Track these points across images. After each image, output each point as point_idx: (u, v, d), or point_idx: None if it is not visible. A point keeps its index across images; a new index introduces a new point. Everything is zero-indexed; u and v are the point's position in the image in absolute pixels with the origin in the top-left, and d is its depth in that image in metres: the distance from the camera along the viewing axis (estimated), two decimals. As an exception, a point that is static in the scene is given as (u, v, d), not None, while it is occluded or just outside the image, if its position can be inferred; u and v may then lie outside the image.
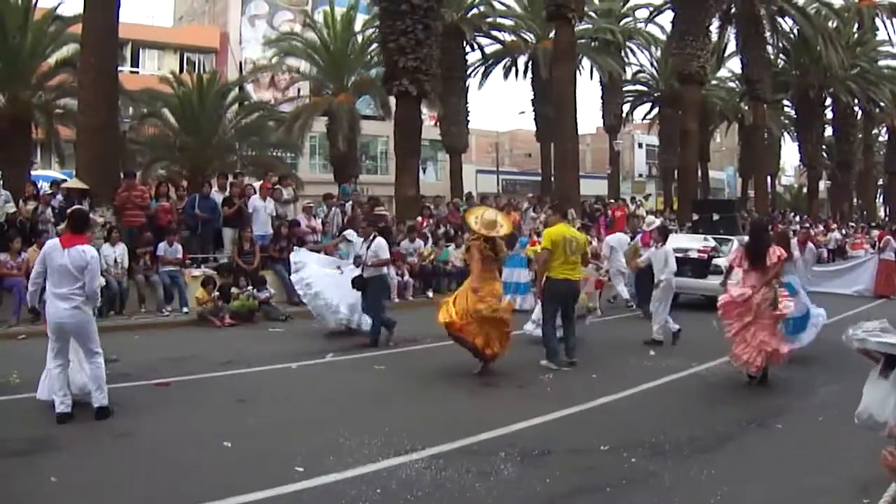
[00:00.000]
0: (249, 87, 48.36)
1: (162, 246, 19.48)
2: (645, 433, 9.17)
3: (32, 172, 28.18)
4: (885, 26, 61.67)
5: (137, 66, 51.94)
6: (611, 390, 11.30)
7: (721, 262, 22.16)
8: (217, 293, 18.61)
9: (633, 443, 8.72)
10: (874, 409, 5.84)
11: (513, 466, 7.88)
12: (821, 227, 44.92)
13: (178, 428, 9.24)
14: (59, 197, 20.24)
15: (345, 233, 18.79)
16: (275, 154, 38.51)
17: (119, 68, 25.69)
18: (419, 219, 25.79)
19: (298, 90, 48.67)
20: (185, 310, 18.85)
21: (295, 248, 19.73)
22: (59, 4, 31.19)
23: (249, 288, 19.38)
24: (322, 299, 16.68)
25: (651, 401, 11.15)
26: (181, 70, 47.10)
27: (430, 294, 23.38)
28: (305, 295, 17.03)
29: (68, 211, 11.26)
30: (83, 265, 9.32)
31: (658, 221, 21.07)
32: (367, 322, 16.25)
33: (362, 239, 16.67)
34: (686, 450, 8.64)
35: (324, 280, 16.99)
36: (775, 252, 11.93)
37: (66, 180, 23.15)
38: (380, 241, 16.08)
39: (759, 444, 9.10)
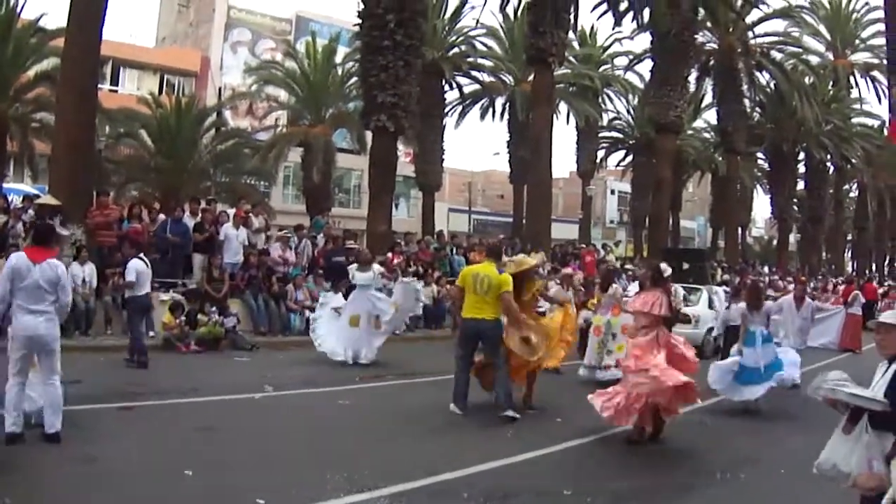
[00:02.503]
0: (227, 114, 48.35)
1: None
2: (608, 480, 9.24)
3: (4, 185, 28.04)
4: (859, 85, 62.88)
5: (117, 85, 51.72)
6: (575, 434, 11.28)
7: (689, 310, 22.35)
8: (184, 319, 18.53)
9: (596, 489, 8.73)
10: (839, 460, 5.93)
11: (475, 509, 7.86)
12: (790, 279, 45.23)
13: (140, 454, 9.12)
14: (31, 212, 20.09)
15: (349, 268, 18.78)
16: (248, 182, 38.51)
17: (98, 86, 25.62)
18: (389, 255, 25.77)
19: (276, 119, 48.87)
20: (151, 334, 18.53)
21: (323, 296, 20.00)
22: (41, 16, 31.19)
23: (216, 315, 19.32)
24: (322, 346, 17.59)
25: (615, 447, 11.11)
26: (160, 92, 46.96)
27: (396, 331, 23.33)
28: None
29: (34, 226, 11.20)
30: (55, 280, 9.18)
31: (669, 269, 20.97)
32: (363, 355, 17.17)
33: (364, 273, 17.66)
34: (649, 498, 8.70)
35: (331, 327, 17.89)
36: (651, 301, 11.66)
37: (38, 195, 23.08)
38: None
39: (722, 494, 9.15)
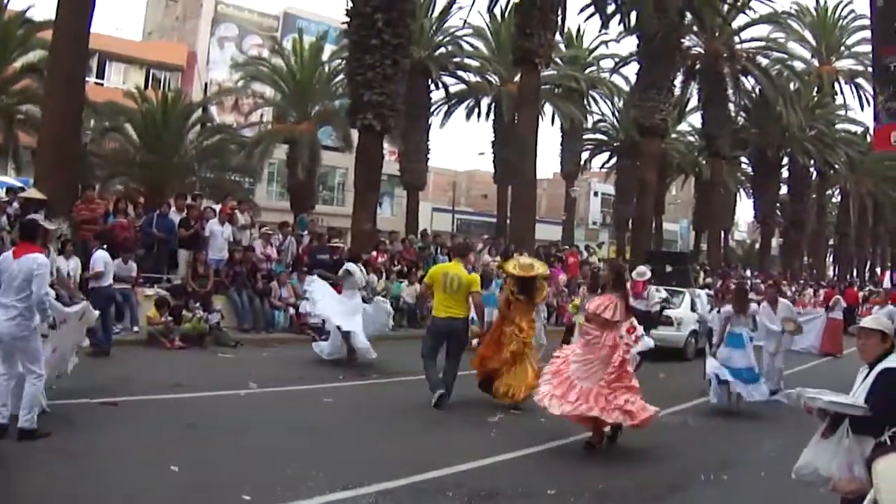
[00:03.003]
0: (213, 109, 48.19)
1: (116, 262, 19.28)
2: (592, 480, 9.30)
3: (-12, 177, 27.96)
4: (844, 92, 63.22)
5: (103, 79, 51.46)
6: (559, 435, 11.28)
7: (672, 313, 22.47)
8: (169, 315, 18.53)
9: (579, 489, 8.84)
10: (819, 464, 6.04)
11: (459, 508, 7.90)
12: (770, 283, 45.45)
13: (125, 449, 9.13)
14: (16, 205, 20.00)
15: (346, 266, 18.72)
16: (233, 178, 38.43)
17: (85, 79, 25.56)
18: (374, 253, 25.79)
19: (261, 116, 48.73)
20: (135, 329, 18.59)
21: (309, 277, 20.02)
22: (28, 7, 31.10)
23: (200, 311, 19.31)
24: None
25: (598, 448, 11.16)
26: (146, 86, 46.86)
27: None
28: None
29: (20, 221, 11.18)
30: (32, 273, 9.12)
31: (648, 272, 20.96)
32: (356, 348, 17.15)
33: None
34: (633, 498, 8.79)
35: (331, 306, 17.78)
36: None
37: (22, 188, 23.00)
38: None
39: (705, 495, 9.29)
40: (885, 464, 2.84)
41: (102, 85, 49.32)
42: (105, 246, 16.78)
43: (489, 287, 20.93)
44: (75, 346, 11.32)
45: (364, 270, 19.20)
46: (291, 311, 22.11)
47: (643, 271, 20.49)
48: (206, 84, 54.45)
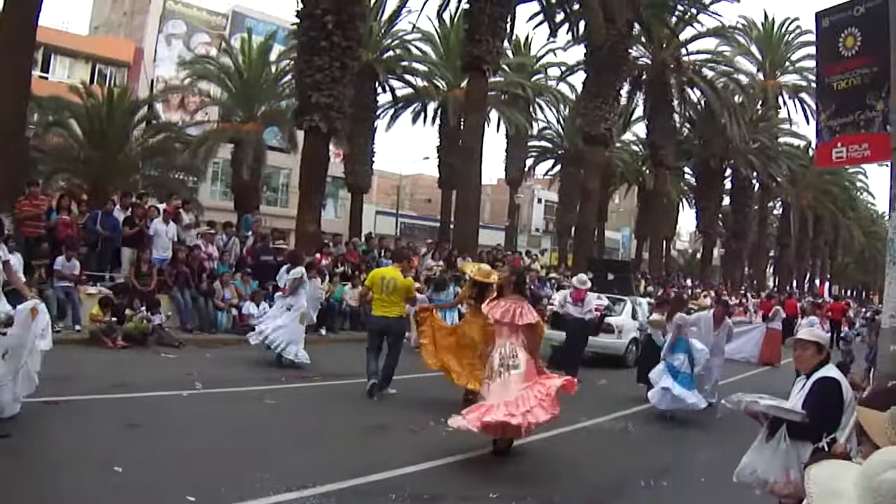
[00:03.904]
0: (159, 107, 47.77)
1: (59, 260, 19.04)
2: (533, 484, 9.45)
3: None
4: (788, 106, 64.13)
5: (48, 72, 50.88)
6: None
7: (613, 320, 22.69)
8: (112, 314, 18.43)
9: (521, 493, 8.96)
10: (758, 467, 6.26)
11: (402, 510, 7.98)
12: (712, 293, 46.05)
13: (67, 449, 9.08)
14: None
15: (301, 270, 18.79)
16: (177, 177, 38.18)
17: (31, 73, 25.31)
18: (317, 255, 25.77)
19: (207, 114, 48.44)
20: (77, 327, 18.47)
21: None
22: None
23: (143, 310, 19.23)
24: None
25: (540, 452, 11.30)
26: (92, 81, 46.21)
27: (323, 331, 23.37)
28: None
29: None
30: None
31: (588, 281, 21.07)
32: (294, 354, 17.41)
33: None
34: (574, 502, 8.92)
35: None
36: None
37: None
38: None
39: (647, 500, 9.45)
40: (817, 469, 2.99)
41: (47, 79, 48.66)
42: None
43: (444, 291, 23.15)
44: (31, 350, 10.37)
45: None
46: (234, 312, 22.07)
47: (584, 279, 20.63)
48: (152, 81, 54.03)
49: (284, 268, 18.67)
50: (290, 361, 17.21)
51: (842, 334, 29.50)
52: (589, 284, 20.71)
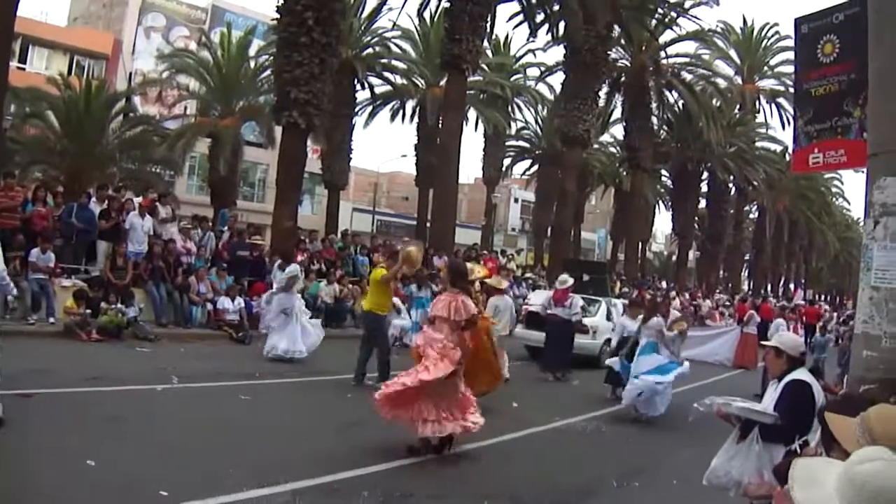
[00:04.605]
0: (137, 100, 47.66)
1: (34, 252, 18.96)
2: (505, 484, 9.46)
3: None
4: (765, 110, 64.44)
5: (25, 63, 50.56)
6: (474, 438, 11.16)
7: (588, 321, 22.71)
8: (87, 307, 18.36)
9: (493, 493, 8.96)
10: (731, 468, 6.32)
11: (373, 508, 8.00)
12: (686, 296, 46.36)
13: (41, 443, 8.99)
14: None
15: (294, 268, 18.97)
16: (154, 170, 38.09)
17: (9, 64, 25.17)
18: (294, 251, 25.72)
19: (185, 108, 48.29)
20: (51, 320, 18.44)
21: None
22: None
23: (118, 304, 19.16)
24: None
25: (513, 452, 11.37)
26: (70, 73, 45.90)
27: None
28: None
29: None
30: None
31: (571, 280, 21.03)
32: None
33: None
34: (545, 502, 8.95)
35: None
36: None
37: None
38: None
39: (619, 501, 9.55)
40: (804, 461, 3.07)
41: (24, 70, 48.35)
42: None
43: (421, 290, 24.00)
44: None
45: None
46: (209, 306, 22.01)
47: (565, 279, 20.67)
48: (130, 74, 53.82)
49: (277, 265, 18.74)
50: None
51: (812, 339, 29.64)
52: (570, 283, 20.74)
